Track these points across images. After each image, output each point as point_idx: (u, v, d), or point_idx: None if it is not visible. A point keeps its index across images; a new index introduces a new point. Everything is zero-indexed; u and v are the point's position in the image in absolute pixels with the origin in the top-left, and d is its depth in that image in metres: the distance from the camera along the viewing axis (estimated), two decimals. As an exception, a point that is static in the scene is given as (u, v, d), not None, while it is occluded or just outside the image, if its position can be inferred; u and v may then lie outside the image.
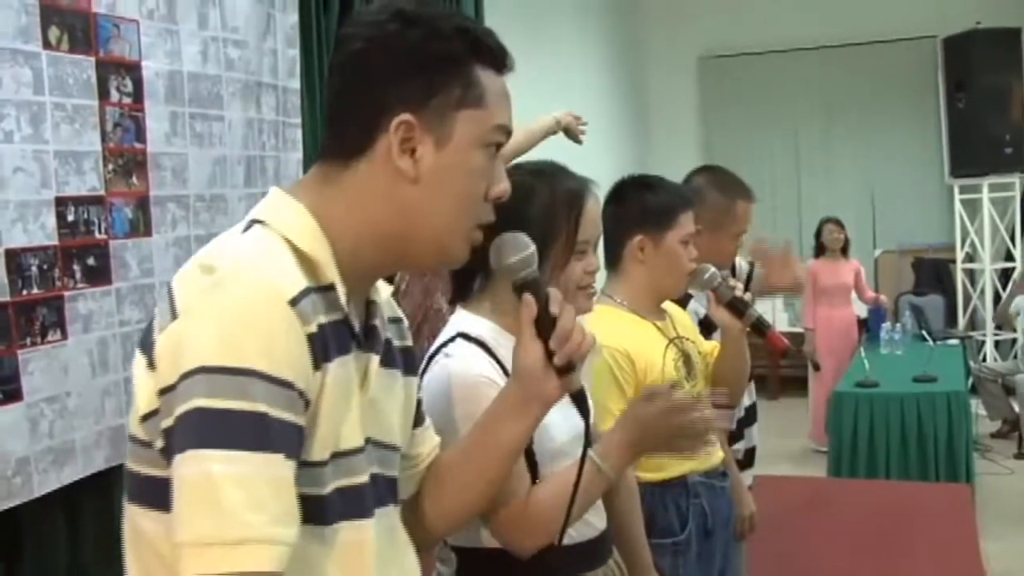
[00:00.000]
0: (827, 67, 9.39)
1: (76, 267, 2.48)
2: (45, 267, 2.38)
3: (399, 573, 1.28)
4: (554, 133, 3.45)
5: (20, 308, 2.31)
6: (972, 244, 8.54)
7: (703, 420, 1.71)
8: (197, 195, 2.90)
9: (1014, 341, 8.28)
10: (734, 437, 2.88)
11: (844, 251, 7.37)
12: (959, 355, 6.76)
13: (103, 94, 2.55)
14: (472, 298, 1.79)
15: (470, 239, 1.25)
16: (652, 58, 9.76)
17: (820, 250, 7.36)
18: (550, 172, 1.79)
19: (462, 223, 1.22)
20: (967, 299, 8.56)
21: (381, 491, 1.24)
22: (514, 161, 1.84)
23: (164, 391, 1.05)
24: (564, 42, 7.28)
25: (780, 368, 8.89)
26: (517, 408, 1.35)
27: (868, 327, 7.38)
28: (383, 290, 1.32)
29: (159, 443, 1.07)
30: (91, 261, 2.52)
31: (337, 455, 1.14)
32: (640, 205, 2.41)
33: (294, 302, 1.07)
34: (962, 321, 8.56)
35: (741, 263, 3.30)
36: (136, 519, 1.15)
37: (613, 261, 2.47)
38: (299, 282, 1.09)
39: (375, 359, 1.23)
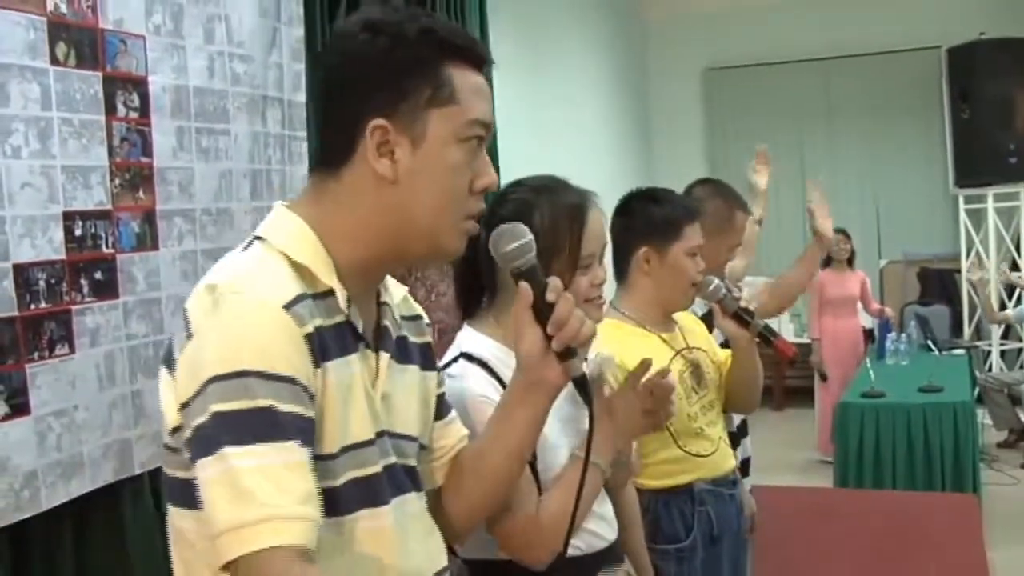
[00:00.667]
0: (831, 78, 9.41)
1: (83, 281, 2.49)
2: (53, 281, 2.39)
3: (425, 556, 1.34)
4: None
5: (28, 322, 2.32)
6: (977, 254, 8.53)
7: (661, 388, 1.78)
8: (203, 209, 2.91)
9: (1020, 351, 8.27)
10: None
11: (850, 262, 7.36)
12: (965, 365, 6.75)
13: (110, 109, 2.57)
14: (478, 315, 1.82)
15: (462, 231, 1.30)
16: (657, 69, 9.79)
17: (826, 261, 7.34)
18: (551, 187, 1.81)
19: (448, 217, 1.27)
20: (972, 309, 8.53)
21: (399, 480, 1.31)
22: (515, 178, 1.86)
23: (183, 406, 1.14)
24: (568, 54, 7.30)
25: (786, 379, 8.88)
26: (523, 395, 1.40)
27: (875, 339, 7.37)
28: (396, 291, 1.39)
29: (186, 453, 1.15)
30: (98, 275, 2.53)
31: (347, 448, 1.21)
32: (645, 217, 2.43)
33: (288, 307, 1.15)
34: (968, 331, 8.55)
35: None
36: (175, 519, 1.24)
37: (620, 273, 2.48)
38: (293, 289, 1.17)
39: (385, 357, 1.30)
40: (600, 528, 1.82)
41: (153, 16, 2.72)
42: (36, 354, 2.34)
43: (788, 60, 9.37)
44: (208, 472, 1.08)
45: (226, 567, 1.07)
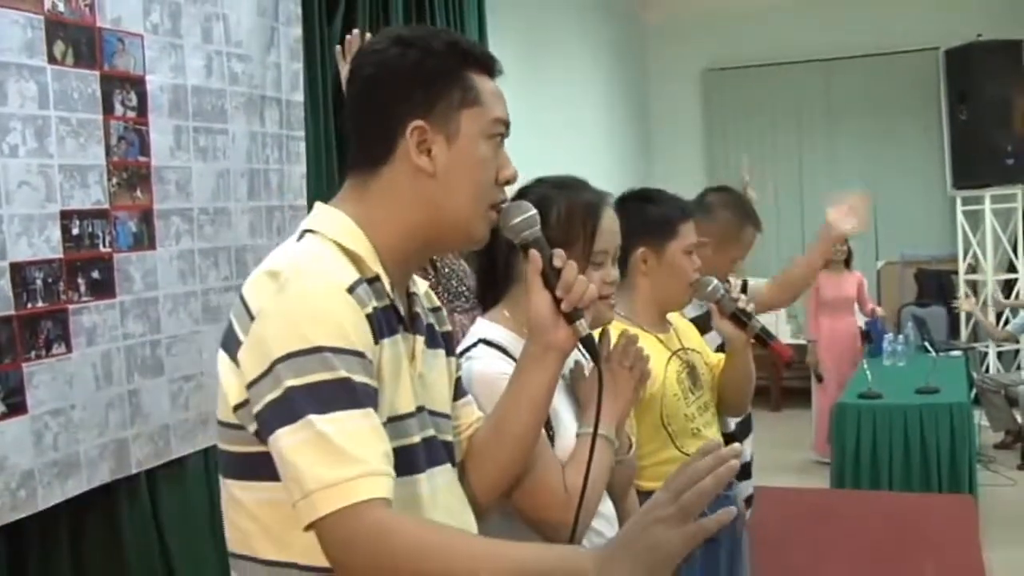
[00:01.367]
0: (830, 79, 9.43)
1: (81, 280, 2.49)
2: (50, 280, 2.39)
3: (458, 525, 1.41)
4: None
5: (25, 321, 2.32)
6: (974, 255, 8.54)
7: (630, 341, 1.86)
8: (201, 208, 2.91)
9: (1017, 352, 8.28)
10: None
11: (847, 263, 7.36)
12: (962, 366, 6.74)
13: (108, 108, 2.57)
14: (491, 310, 1.91)
15: (489, 219, 1.45)
16: (656, 70, 9.80)
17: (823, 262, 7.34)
18: (571, 185, 1.90)
19: (479, 205, 1.42)
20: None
21: (435, 452, 1.43)
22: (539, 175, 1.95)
23: (252, 384, 1.24)
24: (568, 56, 7.30)
25: (782, 380, 8.89)
26: (536, 359, 1.52)
27: (871, 339, 7.37)
28: (421, 284, 1.54)
29: (252, 427, 1.26)
30: (95, 274, 2.53)
31: (392, 419, 1.33)
32: (641, 217, 2.42)
33: (350, 289, 1.27)
34: (964, 332, 8.55)
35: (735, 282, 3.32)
36: (232, 491, 1.34)
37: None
38: (352, 274, 1.30)
39: (420, 340, 1.44)
40: (601, 526, 1.83)
41: (151, 15, 2.72)
42: (33, 353, 2.34)
43: (787, 61, 9.39)
44: (293, 439, 1.18)
45: (309, 527, 1.17)
